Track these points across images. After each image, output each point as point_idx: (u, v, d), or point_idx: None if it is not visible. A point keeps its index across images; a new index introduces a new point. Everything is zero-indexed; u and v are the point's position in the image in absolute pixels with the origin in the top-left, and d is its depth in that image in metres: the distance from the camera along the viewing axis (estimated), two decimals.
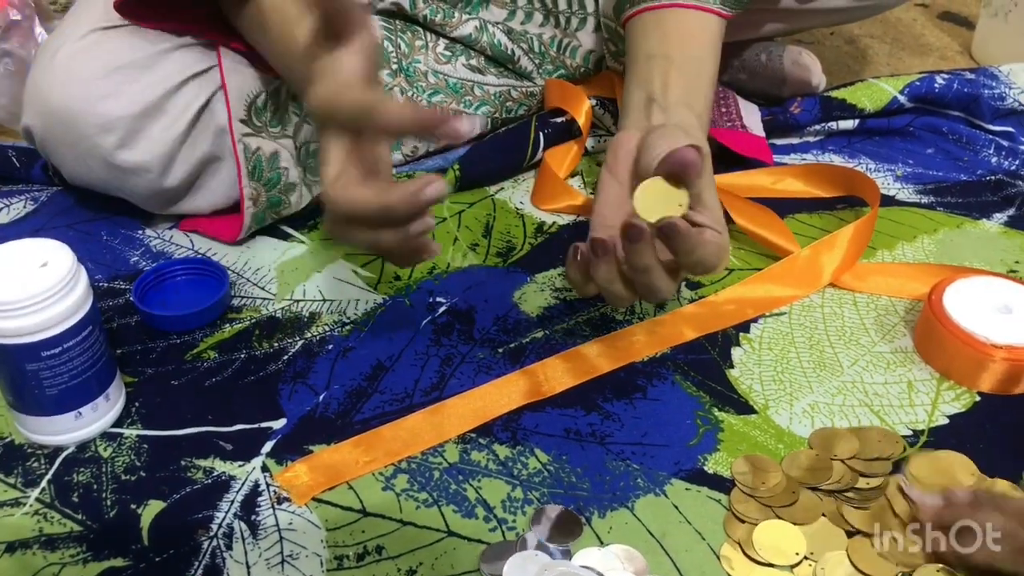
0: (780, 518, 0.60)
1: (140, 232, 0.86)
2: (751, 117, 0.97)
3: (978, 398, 0.69)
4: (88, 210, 0.88)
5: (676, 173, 0.60)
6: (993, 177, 0.94)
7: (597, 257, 0.63)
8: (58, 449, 0.65)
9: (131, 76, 0.76)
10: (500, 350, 0.73)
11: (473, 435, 0.66)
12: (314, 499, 0.61)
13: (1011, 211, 0.89)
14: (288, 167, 0.82)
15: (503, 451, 0.65)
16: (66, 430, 0.64)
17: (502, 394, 0.68)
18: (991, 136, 0.98)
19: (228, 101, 0.78)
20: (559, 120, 0.94)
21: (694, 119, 0.68)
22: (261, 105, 0.80)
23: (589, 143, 0.95)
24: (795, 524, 0.59)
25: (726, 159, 0.93)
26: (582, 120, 0.93)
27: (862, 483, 0.62)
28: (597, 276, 0.63)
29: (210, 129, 0.79)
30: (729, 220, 0.83)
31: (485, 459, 0.64)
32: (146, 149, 0.77)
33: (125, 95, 0.75)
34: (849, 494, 0.61)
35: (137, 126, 0.76)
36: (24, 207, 0.89)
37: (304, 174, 0.84)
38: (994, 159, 0.96)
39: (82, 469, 0.63)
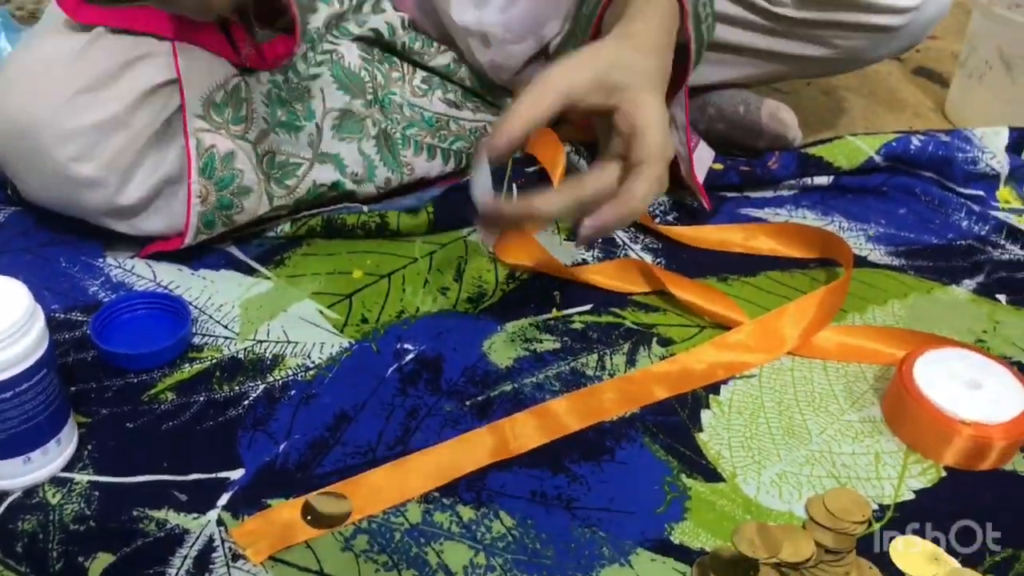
0: None
1: (100, 260, 0.83)
2: (700, 171, 0.96)
3: (944, 473, 0.69)
4: (47, 232, 0.85)
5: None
6: (963, 242, 0.94)
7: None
8: (3, 494, 0.62)
9: (94, 88, 0.75)
10: (467, 403, 0.72)
11: (436, 494, 0.64)
12: (270, 558, 0.59)
13: (980, 278, 0.89)
14: (244, 169, 0.80)
15: (467, 512, 0.63)
16: (13, 475, 0.61)
17: (468, 451, 0.67)
18: (962, 199, 0.98)
19: (183, 93, 0.77)
20: (533, 169, 0.93)
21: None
22: (220, 102, 0.78)
23: None
24: None
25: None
26: (556, 172, 0.92)
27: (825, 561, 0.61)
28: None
29: (174, 145, 0.78)
30: (670, 295, 0.83)
31: (448, 520, 0.63)
32: (103, 163, 0.75)
33: (86, 106, 0.74)
34: (814, 570, 0.61)
35: (96, 139, 0.75)
36: None
37: (268, 183, 0.82)
38: (964, 223, 0.97)
39: (28, 516, 0.61)
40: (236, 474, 0.65)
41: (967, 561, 0.62)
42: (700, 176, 0.97)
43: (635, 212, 0.65)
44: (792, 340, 0.78)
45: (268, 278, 0.83)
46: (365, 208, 0.89)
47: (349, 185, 0.89)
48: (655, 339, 0.79)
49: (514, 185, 0.92)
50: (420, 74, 0.94)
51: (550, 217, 0.67)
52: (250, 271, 0.84)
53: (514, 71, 0.95)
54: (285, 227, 0.87)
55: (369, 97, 0.90)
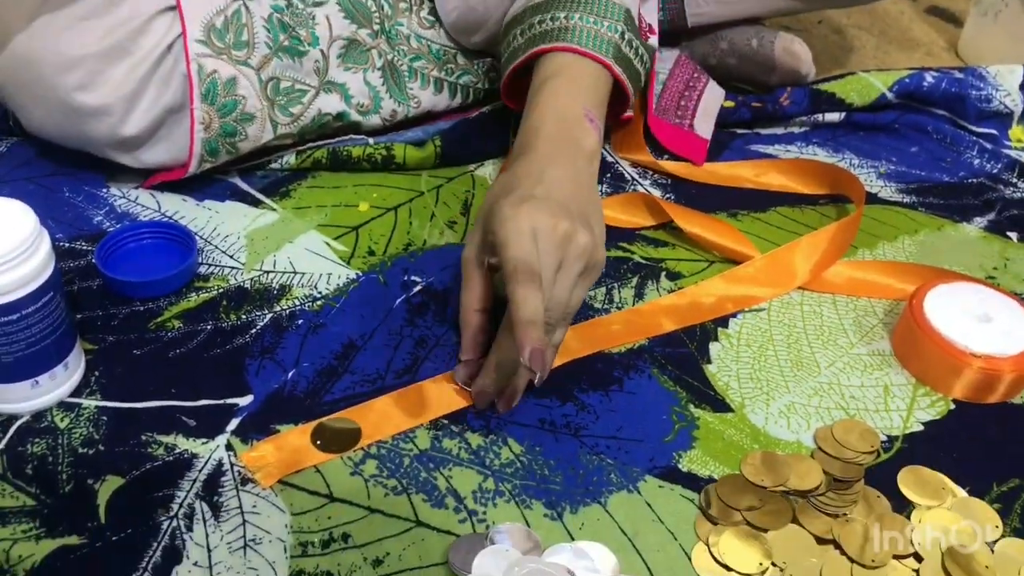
0: (748, 522, 0.59)
1: (104, 190, 0.82)
2: (704, 122, 0.95)
3: (952, 405, 0.69)
4: (50, 163, 0.84)
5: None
6: (975, 180, 0.93)
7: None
8: (11, 418, 0.62)
9: (95, 15, 0.74)
10: None
11: (445, 421, 0.64)
12: (280, 482, 0.59)
13: (991, 215, 0.89)
14: (247, 96, 0.79)
15: (475, 439, 0.63)
16: (21, 399, 0.61)
17: None
18: (975, 138, 0.97)
19: (183, 18, 0.76)
20: None
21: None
22: (221, 27, 0.77)
23: None
24: (762, 528, 0.59)
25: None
26: None
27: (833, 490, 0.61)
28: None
29: (176, 74, 0.77)
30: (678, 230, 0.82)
31: (457, 447, 0.63)
32: (107, 92, 0.75)
33: (88, 34, 0.74)
34: (822, 498, 0.61)
35: (99, 67, 0.74)
36: None
37: (272, 109, 0.81)
38: (976, 161, 0.96)
39: (37, 440, 0.61)
40: (245, 400, 0.65)
41: (974, 492, 0.62)
42: (706, 133, 0.95)
43: (531, 318, 0.58)
44: (802, 275, 0.78)
45: (274, 210, 0.82)
46: (371, 140, 0.88)
47: (354, 116, 0.87)
48: (663, 273, 0.79)
49: None
50: (428, 5, 0.92)
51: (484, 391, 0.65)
52: (255, 202, 0.83)
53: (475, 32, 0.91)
54: (290, 159, 0.86)
55: (376, 27, 0.88)
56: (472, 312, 0.66)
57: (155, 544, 0.55)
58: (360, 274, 0.76)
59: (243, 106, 0.79)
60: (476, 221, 0.68)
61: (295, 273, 0.76)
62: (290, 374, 0.67)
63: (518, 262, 0.60)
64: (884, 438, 0.65)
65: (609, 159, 0.92)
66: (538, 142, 0.70)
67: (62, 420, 0.62)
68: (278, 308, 0.72)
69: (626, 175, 0.90)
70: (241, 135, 0.80)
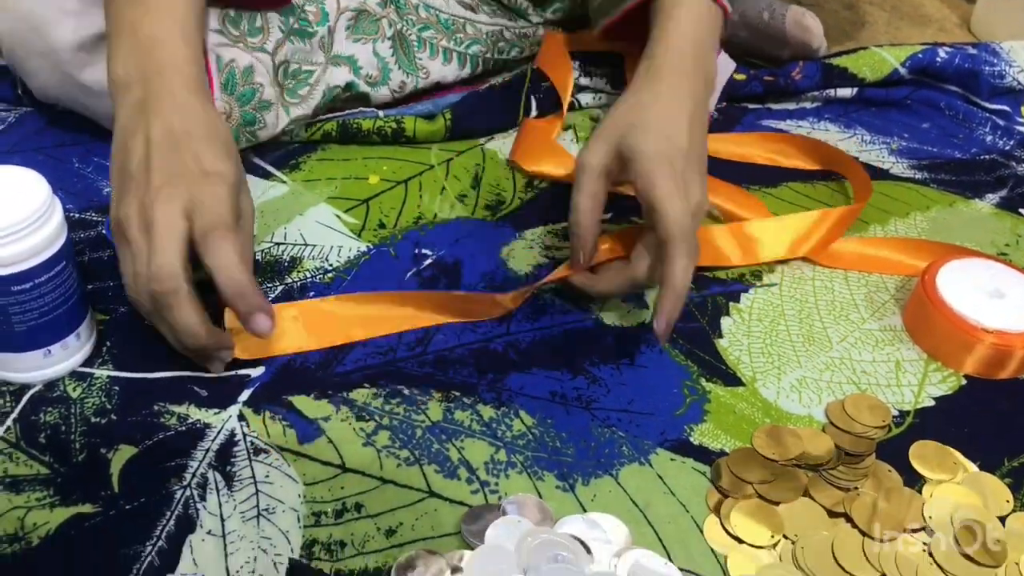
0: (759, 495, 0.59)
1: None
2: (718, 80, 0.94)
3: (964, 381, 0.69)
4: (60, 133, 0.84)
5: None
6: (987, 156, 0.93)
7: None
8: (24, 387, 0.62)
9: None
10: None
11: (457, 394, 0.64)
12: (292, 452, 0.59)
13: (1003, 192, 0.88)
14: (263, 83, 0.78)
15: (487, 411, 0.63)
16: (34, 367, 0.61)
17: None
18: (987, 114, 0.97)
19: None
20: (550, 84, 0.92)
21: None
22: (235, 13, 0.76)
23: (584, 99, 0.94)
24: (775, 502, 0.59)
25: None
26: (566, 94, 0.91)
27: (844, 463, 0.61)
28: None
29: None
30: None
31: (469, 419, 0.63)
32: None
33: (97, 12, 0.72)
34: (833, 472, 0.61)
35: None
36: None
37: (283, 94, 0.80)
38: (989, 138, 0.95)
39: (50, 409, 0.61)
40: (256, 372, 0.65)
41: (985, 466, 0.62)
42: (717, 92, 0.95)
43: (682, 291, 0.64)
44: (774, 254, 0.77)
45: (284, 182, 0.82)
46: (381, 113, 0.88)
47: (363, 87, 0.87)
48: None
49: (533, 99, 0.90)
50: None
51: (606, 295, 0.70)
52: (265, 175, 0.82)
53: None
54: (300, 131, 0.86)
55: None
56: (591, 219, 0.68)
57: (168, 513, 0.55)
58: (371, 247, 0.76)
59: (260, 94, 0.78)
60: (598, 135, 0.68)
61: (306, 245, 0.75)
62: None
63: (677, 232, 0.63)
64: (896, 413, 0.65)
65: None
66: (670, 70, 0.71)
67: (74, 390, 0.62)
68: (289, 280, 0.72)
69: None
70: (260, 123, 0.80)
